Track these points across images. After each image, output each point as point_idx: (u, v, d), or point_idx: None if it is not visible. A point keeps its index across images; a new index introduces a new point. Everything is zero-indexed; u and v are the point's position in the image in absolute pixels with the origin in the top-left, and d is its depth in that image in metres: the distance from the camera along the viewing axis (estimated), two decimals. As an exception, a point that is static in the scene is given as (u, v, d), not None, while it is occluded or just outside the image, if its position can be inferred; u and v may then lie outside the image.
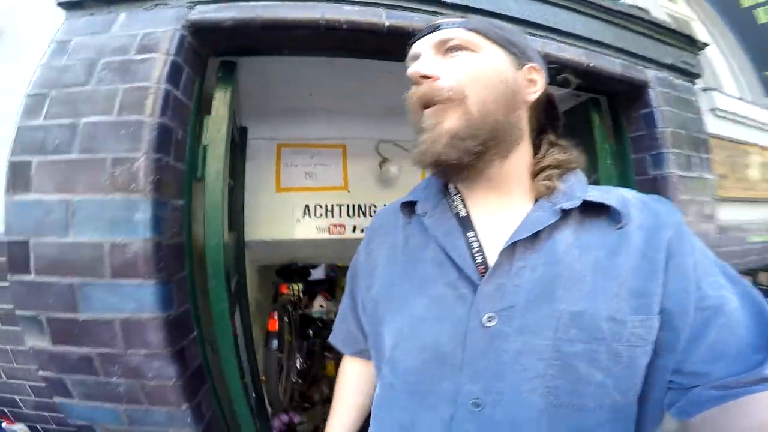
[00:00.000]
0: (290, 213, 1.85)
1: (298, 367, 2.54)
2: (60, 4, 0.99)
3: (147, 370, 0.89)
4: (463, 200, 0.54)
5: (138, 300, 0.86)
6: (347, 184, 1.94)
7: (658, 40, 1.38)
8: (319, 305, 3.13)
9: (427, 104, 0.49)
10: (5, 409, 1.16)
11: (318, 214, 1.89)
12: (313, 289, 3.18)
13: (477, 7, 1.14)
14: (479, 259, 0.49)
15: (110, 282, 0.85)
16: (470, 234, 0.51)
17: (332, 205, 1.91)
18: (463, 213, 0.53)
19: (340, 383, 0.76)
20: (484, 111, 0.47)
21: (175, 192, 0.98)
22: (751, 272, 1.92)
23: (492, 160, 0.50)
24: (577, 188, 0.50)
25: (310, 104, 1.75)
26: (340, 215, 1.92)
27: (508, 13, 1.17)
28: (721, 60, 2.25)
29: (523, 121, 0.52)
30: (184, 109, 1.01)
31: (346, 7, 1.08)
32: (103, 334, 0.87)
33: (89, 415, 0.94)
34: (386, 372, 0.55)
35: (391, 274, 0.57)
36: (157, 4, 1.00)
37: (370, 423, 0.60)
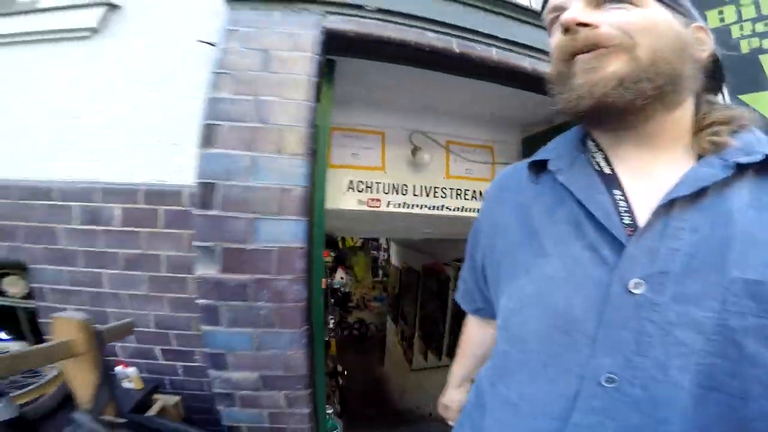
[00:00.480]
0: (338, 186, 2.16)
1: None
2: None
3: (288, 293, 1.21)
4: (605, 157, 0.50)
5: (292, 233, 1.18)
6: (384, 165, 2.28)
7: None
8: (339, 276, 3.45)
9: (581, 51, 0.45)
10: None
11: (359, 189, 2.22)
12: (335, 262, 3.49)
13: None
14: (627, 219, 0.44)
15: (276, 217, 1.16)
16: (616, 192, 0.46)
17: (371, 182, 2.24)
18: (607, 170, 0.49)
19: (463, 337, 0.84)
20: (657, 58, 0.43)
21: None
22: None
23: (656, 110, 0.45)
24: (756, 144, 0.44)
25: (360, 96, 2.05)
26: (377, 191, 2.25)
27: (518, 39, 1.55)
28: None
29: (694, 77, 0.47)
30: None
31: (430, 35, 1.41)
32: (263, 262, 1.18)
33: (227, 342, 1.22)
34: (500, 338, 0.53)
35: (515, 234, 0.54)
36: (302, 9, 1.29)
37: (472, 394, 0.60)
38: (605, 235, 0.44)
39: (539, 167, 0.55)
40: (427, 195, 2.33)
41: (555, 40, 0.49)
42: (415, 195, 2.32)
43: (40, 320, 1.49)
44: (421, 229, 2.70)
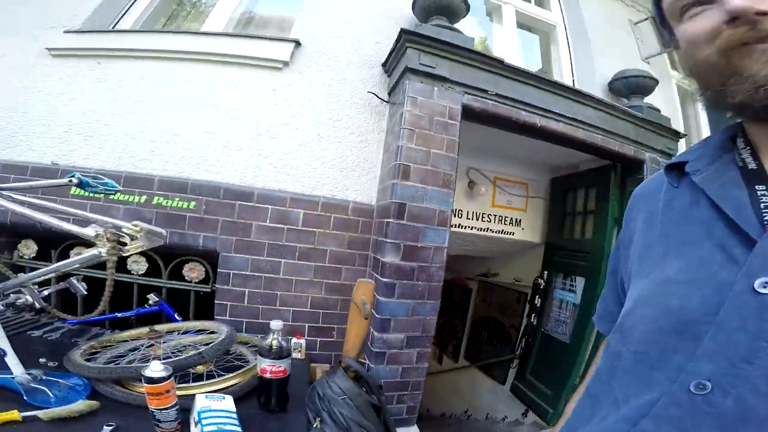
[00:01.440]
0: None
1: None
2: (410, 69, 1.83)
3: (435, 275, 1.80)
4: (753, 153, 0.45)
5: (442, 238, 1.79)
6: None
7: (656, 132, 2.51)
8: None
9: (763, 41, 0.39)
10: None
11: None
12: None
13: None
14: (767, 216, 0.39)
15: (434, 227, 1.77)
16: (759, 186, 0.42)
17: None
18: (752, 165, 0.44)
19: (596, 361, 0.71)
20: None
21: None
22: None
23: None
24: None
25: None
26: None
27: (577, 117, 2.28)
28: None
29: None
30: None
31: (523, 113, 2.09)
32: (425, 255, 1.77)
33: (394, 309, 1.78)
34: (614, 339, 0.51)
35: (646, 239, 0.53)
36: (448, 87, 1.92)
37: (581, 398, 0.57)
38: (737, 233, 0.40)
39: (679, 170, 0.52)
40: (477, 219, 2.99)
41: (700, 26, 0.43)
42: (468, 218, 2.97)
43: (216, 301, 1.93)
44: (463, 246, 3.33)
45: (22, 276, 1.16)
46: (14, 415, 0.98)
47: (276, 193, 1.95)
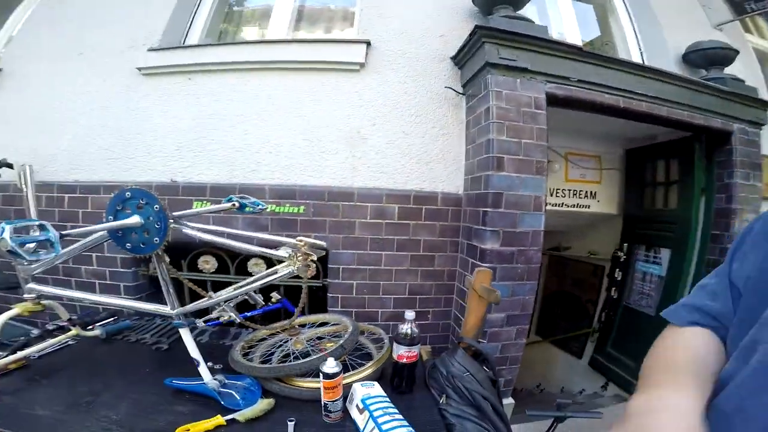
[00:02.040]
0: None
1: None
2: (490, 64, 1.89)
3: (534, 258, 1.90)
4: None
5: (538, 222, 1.87)
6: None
7: (743, 104, 2.44)
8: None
9: None
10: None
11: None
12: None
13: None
14: None
15: (530, 213, 1.86)
16: None
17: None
18: None
19: (681, 351, 0.61)
20: None
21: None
22: None
23: None
24: None
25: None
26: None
27: (661, 95, 2.22)
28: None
29: None
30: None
31: (606, 95, 2.09)
32: (523, 239, 1.87)
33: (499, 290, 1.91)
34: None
35: None
36: (530, 78, 1.96)
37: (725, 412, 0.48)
38: None
39: None
40: (552, 195, 3.01)
41: None
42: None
43: (329, 294, 2.15)
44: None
45: (221, 294, 1.32)
46: (220, 420, 1.13)
47: (373, 191, 2.10)
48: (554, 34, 2.58)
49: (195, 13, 2.52)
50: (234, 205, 1.39)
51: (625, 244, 2.99)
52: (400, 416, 1.20)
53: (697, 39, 2.55)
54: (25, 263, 0.99)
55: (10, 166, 2.10)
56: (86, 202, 2.16)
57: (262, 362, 1.62)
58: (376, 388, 1.31)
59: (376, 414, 1.18)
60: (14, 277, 2.05)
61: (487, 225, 1.84)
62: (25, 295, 1.37)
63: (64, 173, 2.21)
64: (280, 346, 1.73)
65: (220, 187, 2.08)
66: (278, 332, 1.94)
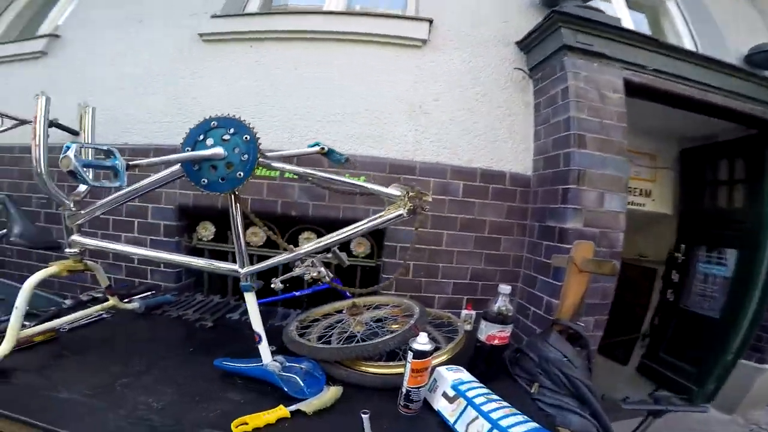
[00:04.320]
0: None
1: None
2: (567, 47, 1.81)
3: (616, 241, 1.76)
4: None
5: (620, 203, 1.75)
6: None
7: None
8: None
9: None
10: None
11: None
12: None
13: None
14: None
15: (613, 193, 1.74)
16: None
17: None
18: None
19: None
20: None
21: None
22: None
23: None
24: None
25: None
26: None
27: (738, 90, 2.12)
28: None
29: None
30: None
31: (680, 86, 2.01)
32: (606, 221, 1.74)
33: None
34: None
35: None
36: (607, 63, 1.87)
37: None
38: None
39: None
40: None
41: None
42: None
43: (383, 275, 2.00)
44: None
45: (305, 247, 1.14)
46: (283, 411, 0.94)
47: (436, 166, 1.98)
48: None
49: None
50: (322, 149, 1.27)
51: (683, 245, 2.84)
52: (507, 403, 1.00)
53: (757, 42, 2.46)
54: (88, 186, 0.85)
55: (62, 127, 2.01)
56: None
57: (325, 342, 1.46)
58: (465, 373, 1.14)
59: (478, 401, 0.98)
60: (49, 234, 1.97)
61: (568, 203, 1.71)
62: (67, 250, 1.22)
63: (114, 136, 2.10)
64: (336, 327, 1.59)
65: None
66: (334, 313, 1.82)
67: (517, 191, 2.02)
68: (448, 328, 1.68)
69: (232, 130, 1.04)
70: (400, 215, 0.99)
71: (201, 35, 2.17)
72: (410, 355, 1.00)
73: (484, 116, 2.06)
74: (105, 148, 0.79)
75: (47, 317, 1.36)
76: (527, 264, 2.02)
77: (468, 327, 1.94)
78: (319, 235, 2.04)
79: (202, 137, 1.05)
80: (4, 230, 1.66)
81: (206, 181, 1.03)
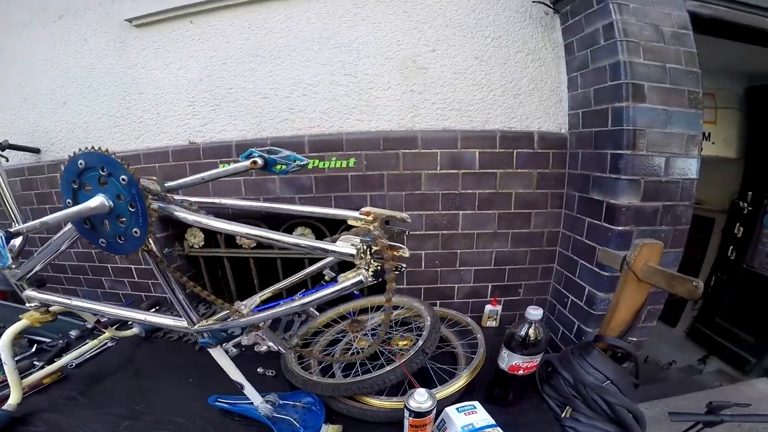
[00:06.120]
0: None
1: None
2: None
3: (682, 218, 1.39)
4: None
5: (691, 168, 1.34)
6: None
7: None
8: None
9: None
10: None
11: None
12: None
13: None
14: None
15: (682, 156, 1.32)
16: None
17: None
18: None
19: None
20: None
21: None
22: None
23: None
24: None
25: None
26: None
27: None
28: None
29: None
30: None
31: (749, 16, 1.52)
32: (671, 192, 1.34)
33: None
34: None
35: None
36: None
37: None
38: None
39: None
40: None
41: None
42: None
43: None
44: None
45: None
46: None
47: (441, 133, 1.58)
48: None
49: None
50: (254, 163, 0.91)
51: (750, 193, 2.38)
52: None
53: None
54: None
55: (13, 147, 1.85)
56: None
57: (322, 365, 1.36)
58: (481, 413, 0.99)
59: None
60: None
61: (621, 172, 1.31)
62: (27, 305, 1.17)
63: (67, 149, 1.83)
64: (340, 342, 1.47)
65: (247, 144, 1.60)
66: (338, 319, 1.63)
67: (549, 154, 1.61)
68: (468, 338, 1.46)
69: (104, 171, 0.71)
70: (359, 282, 0.68)
71: (129, 21, 1.68)
72: (406, 412, 0.92)
73: (500, 65, 1.59)
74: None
75: (55, 353, 1.44)
76: (564, 242, 1.67)
77: (493, 323, 1.70)
78: (313, 228, 1.75)
79: (77, 184, 0.75)
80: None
81: (104, 242, 0.78)
